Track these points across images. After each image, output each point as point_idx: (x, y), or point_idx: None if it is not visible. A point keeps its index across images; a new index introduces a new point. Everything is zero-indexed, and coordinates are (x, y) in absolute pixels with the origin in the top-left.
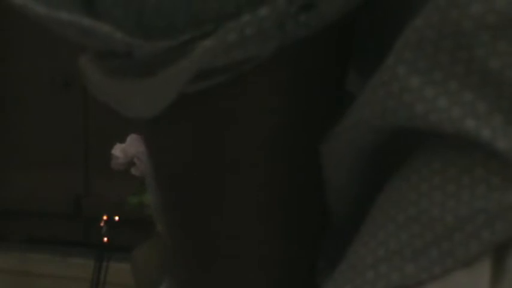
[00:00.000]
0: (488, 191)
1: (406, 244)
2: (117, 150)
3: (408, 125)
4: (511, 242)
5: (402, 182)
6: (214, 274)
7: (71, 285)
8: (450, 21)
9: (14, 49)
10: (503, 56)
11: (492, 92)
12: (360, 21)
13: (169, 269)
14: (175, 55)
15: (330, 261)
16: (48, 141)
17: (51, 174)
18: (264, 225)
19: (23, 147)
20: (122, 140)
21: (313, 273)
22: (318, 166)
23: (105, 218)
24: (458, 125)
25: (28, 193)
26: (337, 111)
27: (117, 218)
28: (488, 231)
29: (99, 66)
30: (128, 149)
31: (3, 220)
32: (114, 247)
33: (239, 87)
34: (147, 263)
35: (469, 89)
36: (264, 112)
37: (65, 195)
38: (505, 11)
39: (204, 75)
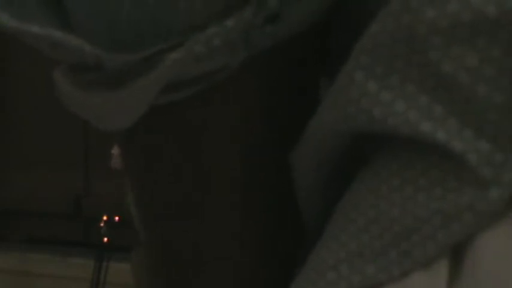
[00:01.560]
0: (444, 193)
1: (366, 246)
2: (117, 150)
3: (368, 129)
4: (467, 243)
5: (362, 184)
6: (196, 279)
7: (71, 285)
8: (404, 25)
9: (14, 49)
10: (456, 60)
11: (446, 95)
12: (333, 25)
13: (156, 275)
14: (145, 67)
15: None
16: (48, 141)
17: (51, 174)
18: (245, 228)
19: (23, 147)
20: None
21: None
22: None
23: (105, 218)
24: (414, 128)
25: (28, 193)
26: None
27: (117, 218)
28: (444, 233)
29: (72, 79)
30: None
31: (3, 220)
32: (114, 247)
33: (209, 97)
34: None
35: (425, 93)
36: (236, 120)
37: (65, 195)
38: (457, 15)
39: (174, 86)
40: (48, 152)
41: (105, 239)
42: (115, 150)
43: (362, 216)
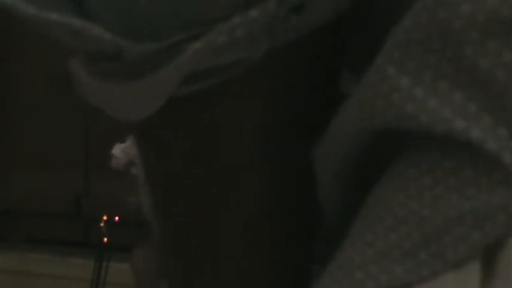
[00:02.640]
0: (477, 192)
1: (395, 245)
2: (117, 150)
3: (397, 126)
4: (501, 243)
5: (390, 183)
6: (206, 277)
7: (71, 285)
8: (438, 20)
9: (14, 49)
10: (493, 56)
11: (481, 92)
12: (351, 20)
13: (164, 271)
14: (165, 57)
15: (323, 263)
16: (48, 141)
17: (51, 174)
18: (259, 227)
19: (23, 147)
20: (122, 140)
21: (307, 274)
22: (311, 169)
23: (105, 218)
24: (448, 125)
25: (28, 193)
26: (332, 113)
27: (117, 218)
28: (477, 233)
29: (89, 68)
30: (128, 149)
31: (3, 220)
32: (114, 247)
33: (222, 92)
34: (147, 263)
35: (458, 89)
36: (249, 116)
37: (65, 195)
38: (495, 10)
39: (194, 78)
40: (48, 152)
41: (105, 239)
42: (115, 150)
43: (390, 215)
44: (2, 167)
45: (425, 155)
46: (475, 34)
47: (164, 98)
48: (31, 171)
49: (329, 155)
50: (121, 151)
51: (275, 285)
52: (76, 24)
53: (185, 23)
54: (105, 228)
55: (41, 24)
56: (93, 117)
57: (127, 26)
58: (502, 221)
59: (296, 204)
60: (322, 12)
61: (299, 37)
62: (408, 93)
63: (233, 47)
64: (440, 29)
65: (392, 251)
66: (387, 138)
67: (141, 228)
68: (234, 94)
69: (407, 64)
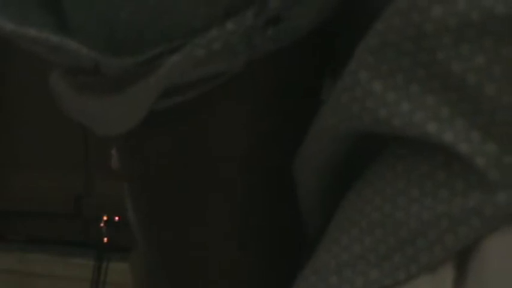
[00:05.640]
0: (450, 196)
1: (370, 249)
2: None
3: (373, 130)
4: (473, 245)
5: (366, 186)
6: (193, 284)
7: (71, 285)
8: (411, 24)
9: (14, 49)
10: (465, 60)
11: (454, 95)
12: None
13: (150, 280)
14: (143, 71)
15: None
16: (48, 141)
17: (51, 174)
18: (252, 233)
19: (23, 147)
20: None
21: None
22: (293, 179)
23: (105, 218)
24: (420, 129)
25: (28, 193)
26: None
27: (117, 218)
28: (451, 237)
29: (69, 83)
30: None
31: (3, 220)
32: (114, 247)
33: (210, 102)
34: None
35: (431, 93)
36: (238, 126)
37: (65, 195)
38: (466, 14)
39: (173, 91)
40: (48, 152)
41: (105, 239)
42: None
43: (365, 218)
44: (2, 167)
45: (401, 159)
46: (446, 38)
47: (143, 112)
48: (31, 171)
49: (308, 161)
50: None
51: None
52: (54, 40)
53: (164, 35)
54: (105, 228)
55: (19, 40)
56: None
57: (110, 37)
58: (475, 224)
59: (287, 210)
60: (300, 22)
61: (280, 47)
62: (381, 97)
63: (211, 59)
64: (413, 33)
65: (367, 254)
66: (367, 142)
67: None
68: (218, 102)
69: (380, 68)
